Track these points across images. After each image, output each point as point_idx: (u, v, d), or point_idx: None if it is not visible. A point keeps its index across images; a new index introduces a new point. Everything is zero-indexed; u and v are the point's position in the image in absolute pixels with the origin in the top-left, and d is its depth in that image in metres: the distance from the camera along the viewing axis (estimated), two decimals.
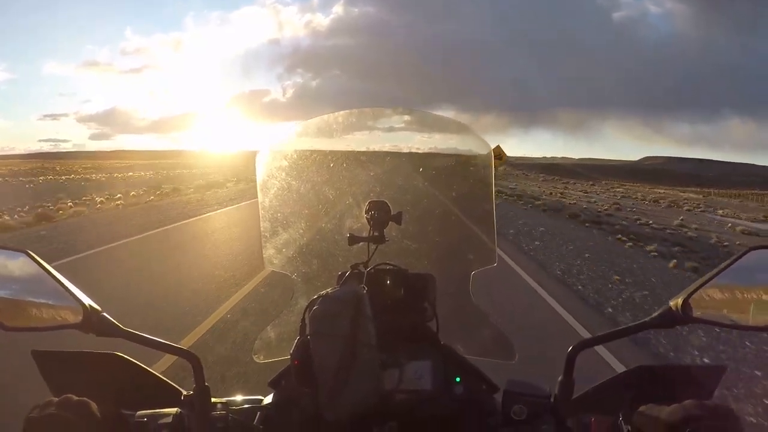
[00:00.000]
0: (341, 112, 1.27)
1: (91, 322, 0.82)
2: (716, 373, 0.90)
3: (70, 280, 0.83)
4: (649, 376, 0.91)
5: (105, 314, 0.84)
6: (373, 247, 1.19)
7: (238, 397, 1.02)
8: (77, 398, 0.74)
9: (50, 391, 0.87)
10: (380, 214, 1.20)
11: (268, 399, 1.02)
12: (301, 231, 1.31)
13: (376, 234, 1.20)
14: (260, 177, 1.25)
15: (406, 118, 1.38)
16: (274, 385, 1.04)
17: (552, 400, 0.94)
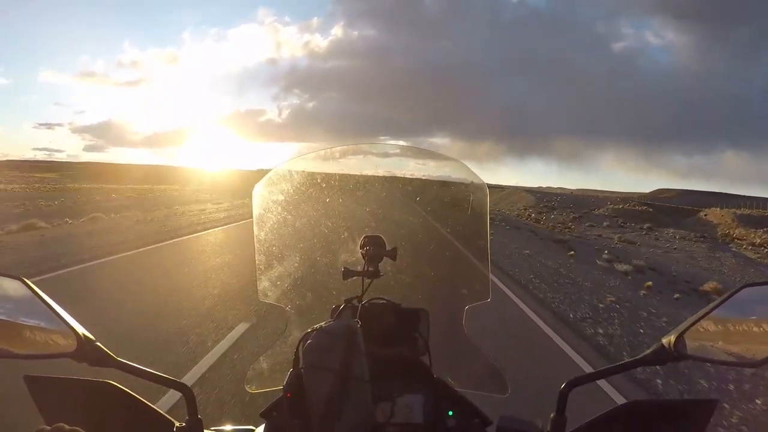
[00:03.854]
0: (338, 147, 1.30)
1: (85, 351, 0.82)
2: (708, 407, 0.89)
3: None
4: (642, 411, 0.90)
5: (99, 344, 0.84)
6: (367, 281, 1.20)
7: (231, 428, 1.01)
8: (69, 428, 0.74)
9: (42, 417, 0.86)
10: (375, 249, 1.22)
11: (260, 430, 1.02)
12: (296, 264, 1.33)
13: (370, 269, 1.21)
14: (256, 210, 1.27)
15: (404, 154, 1.41)
16: (266, 416, 1.03)
17: None
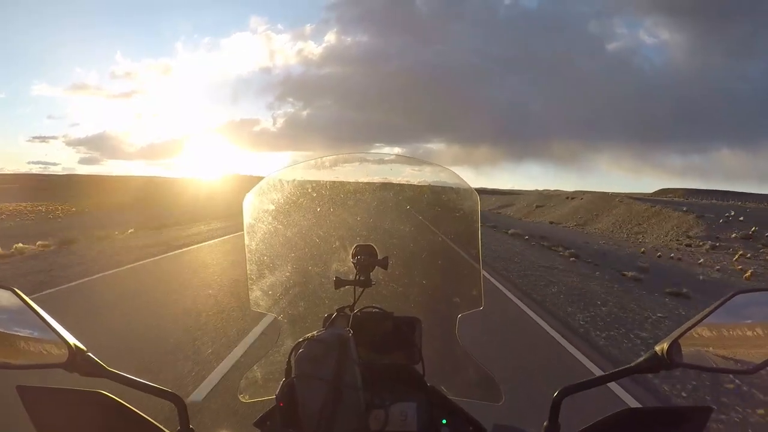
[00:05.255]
0: (328, 157, 1.31)
1: (76, 361, 0.83)
2: (703, 414, 0.88)
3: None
4: (636, 419, 0.89)
5: (90, 354, 0.85)
6: (359, 290, 1.20)
7: None
8: None
9: (35, 428, 0.87)
10: (367, 258, 1.23)
11: None
12: (288, 273, 1.33)
13: (362, 278, 1.21)
14: (247, 219, 1.28)
15: (394, 163, 1.42)
16: (260, 425, 1.03)
17: None
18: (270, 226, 1.31)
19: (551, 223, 36.97)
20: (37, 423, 0.87)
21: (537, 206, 52.19)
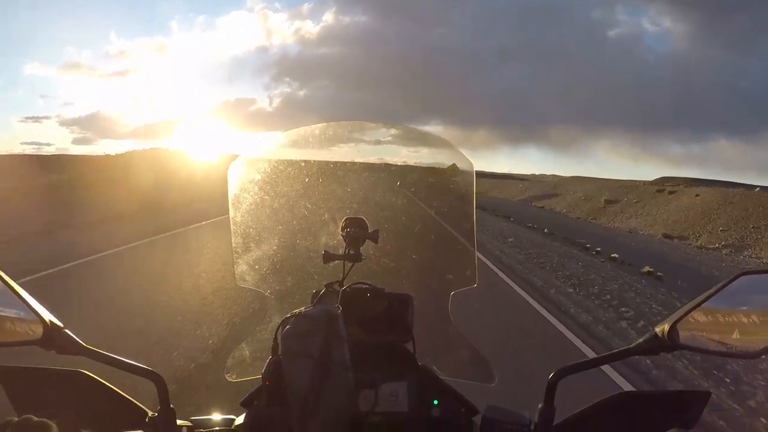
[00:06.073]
0: (320, 125, 1.25)
1: (52, 338, 0.80)
2: (700, 399, 0.86)
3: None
4: (633, 402, 0.88)
5: (67, 331, 0.81)
6: (348, 265, 1.17)
7: (210, 417, 0.99)
8: (37, 419, 0.72)
9: (13, 408, 0.85)
10: (357, 232, 1.18)
11: (239, 420, 0.99)
12: (275, 247, 1.28)
13: (351, 252, 1.17)
14: (232, 189, 1.22)
15: (388, 132, 1.37)
16: (247, 405, 1.01)
17: (532, 427, 0.90)
18: (256, 198, 1.26)
19: (666, 237, 22.16)
20: (16, 403, 0.86)
21: (607, 201, 34.14)
